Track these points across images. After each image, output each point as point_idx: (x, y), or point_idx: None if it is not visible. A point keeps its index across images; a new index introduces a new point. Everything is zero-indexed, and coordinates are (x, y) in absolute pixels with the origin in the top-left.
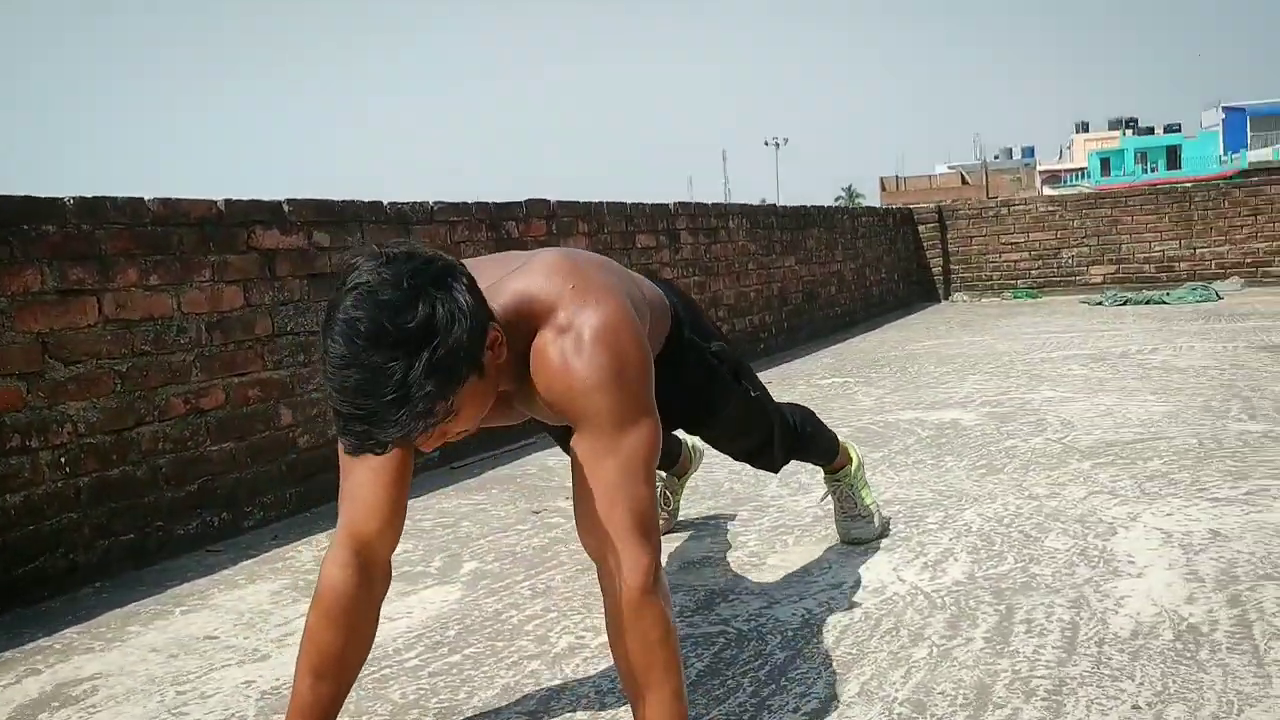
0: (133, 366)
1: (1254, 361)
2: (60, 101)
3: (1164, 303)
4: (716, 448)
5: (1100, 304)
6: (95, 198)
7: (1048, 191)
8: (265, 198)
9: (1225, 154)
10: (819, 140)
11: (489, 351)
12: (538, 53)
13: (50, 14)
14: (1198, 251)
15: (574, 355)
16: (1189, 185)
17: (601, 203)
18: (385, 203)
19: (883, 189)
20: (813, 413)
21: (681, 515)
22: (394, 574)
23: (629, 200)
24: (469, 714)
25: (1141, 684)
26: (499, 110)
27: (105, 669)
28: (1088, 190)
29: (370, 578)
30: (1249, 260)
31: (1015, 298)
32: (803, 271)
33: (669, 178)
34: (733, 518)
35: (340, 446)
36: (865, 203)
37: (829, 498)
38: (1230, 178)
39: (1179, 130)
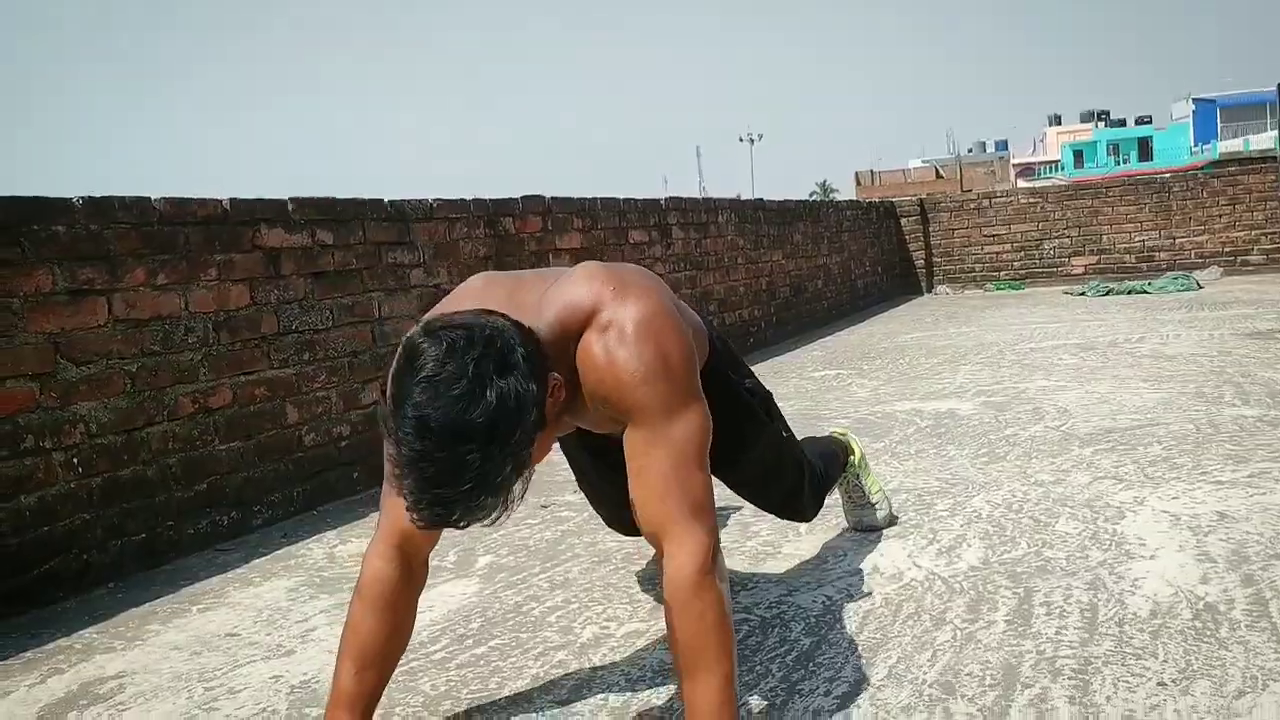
0: (142, 366)
1: (1241, 348)
2: (59, 101)
3: (1146, 292)
4: (743, 494)
5: (1083, 294)
6: (103, 198)
7: (1022, 184)
8: (269, 196)
9: (1196, 145)
10: (792, 137)
11: (550, 399)
12: (502, 50)
13: (50, 14)
14: (1177, 241)
15: (618, 348)
16: (1167, 176)
17: (595, 199)
18: (386, 200)
19: (858, 184)
20: (815, 439)
21: None
22: None
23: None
24: (502, 704)
25: (1165, 662)
26: (472, 110)
27: (129, 667)
28: (1063, 182)
29: (411, 571)
30: (1227, 249)
31: (997, 289)
32: (790, 266)
33: (642, 176)
34: (741, 508)
35: (387, 451)
36: (840, 198)
37: (836, 491)
38: (1202, 168)
39: (1150, 122)
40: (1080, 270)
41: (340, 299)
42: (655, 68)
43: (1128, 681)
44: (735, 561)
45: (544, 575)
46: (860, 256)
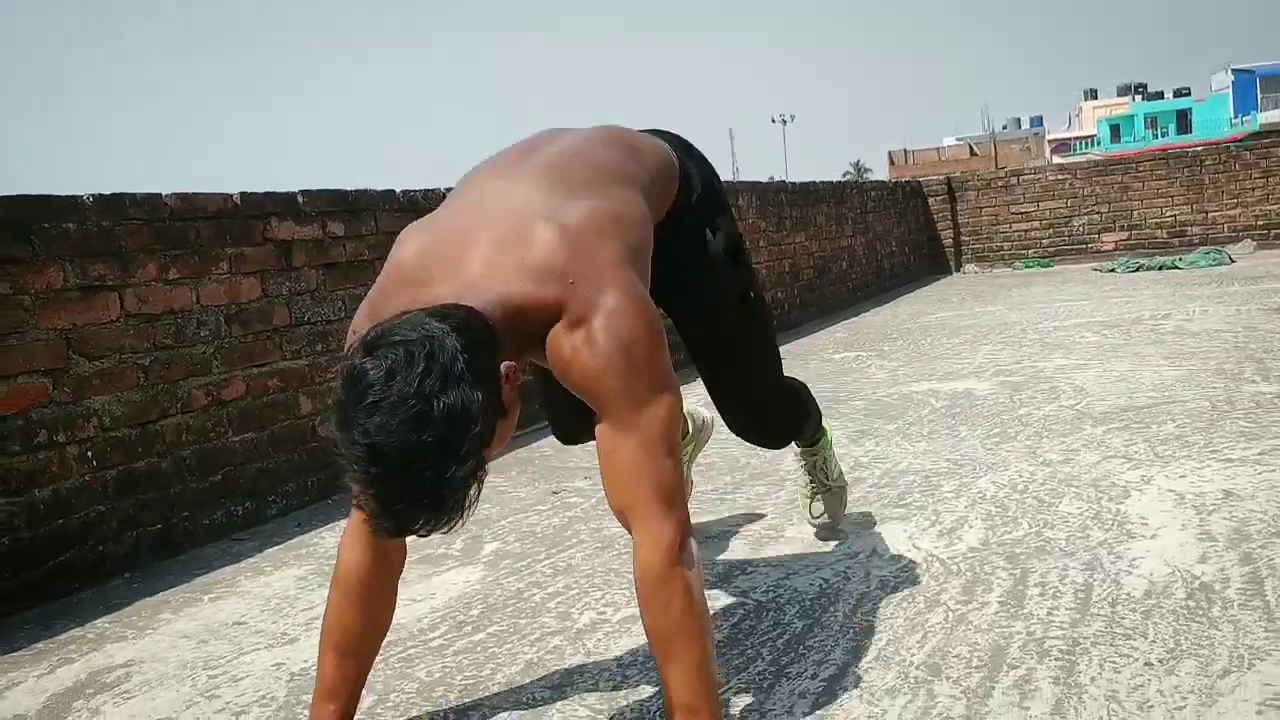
0: (155, 360)
1: (1267, 324)
2: (60, 102)
3: (1177, 268)
4: (713, 393)
5: (1113, 271)
6: (114, 195)
7: (1057, 160)
8: (279, 189)
9: (1236, 116)
10: (825, 117)
11: (505, 385)
12: (536, 33)
13: (52, 14)
14: (1209, 215)
15: (584, 346)
16: (1199, 149)
17: None
18: (398, 190)
19: (891, 163)
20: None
21: (699, 490)
22: (417, 557)
23: None
24: (494, 689)
25: (1154, 642)
26: (497, 90)
27: (138, 656)
28: (1098, 158)
29: (387, 556)
30: (1261, 223)
31: (1026, 267)
32: (814, 247)
33: None
34: (749, 492)
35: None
36: (873, 178)
37: (800, 472)
38: (1241, 140)
39: (1189, 94)
40: (1110, 247)
41: (352, 290)
42: (687, 51)
43: (1114, 662)
44: (737, 546)
45: (548, 561)
46: (886, 237)
